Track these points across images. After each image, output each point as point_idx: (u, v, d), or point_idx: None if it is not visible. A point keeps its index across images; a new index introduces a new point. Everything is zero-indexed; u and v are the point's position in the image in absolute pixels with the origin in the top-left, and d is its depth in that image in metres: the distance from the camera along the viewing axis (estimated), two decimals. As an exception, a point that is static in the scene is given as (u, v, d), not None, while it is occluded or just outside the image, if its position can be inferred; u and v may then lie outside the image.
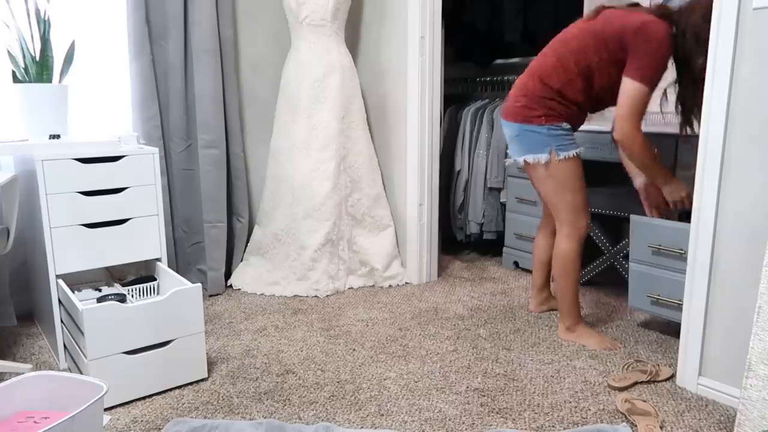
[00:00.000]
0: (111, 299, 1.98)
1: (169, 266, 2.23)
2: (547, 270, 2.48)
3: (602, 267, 2.81)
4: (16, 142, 1.95)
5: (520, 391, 1.86)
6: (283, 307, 2.62)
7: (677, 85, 2.08)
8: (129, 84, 2.55)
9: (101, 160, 2.00)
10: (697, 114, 1.91)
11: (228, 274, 2.90)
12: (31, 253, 2.28)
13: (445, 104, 3.19)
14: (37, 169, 1.89)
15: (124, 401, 1.78)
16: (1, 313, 2.34)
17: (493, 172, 3.25)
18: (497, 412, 1.73)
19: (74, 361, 1.91)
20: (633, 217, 2.22)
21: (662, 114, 2.25)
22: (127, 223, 2.08)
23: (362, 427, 1.66)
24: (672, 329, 2.33)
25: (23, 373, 1.53)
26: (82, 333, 1.71)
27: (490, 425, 1.67)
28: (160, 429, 1.65)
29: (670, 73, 2.03)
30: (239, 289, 2.85)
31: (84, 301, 2.00)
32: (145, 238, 2.13)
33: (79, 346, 1.80)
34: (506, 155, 3.16)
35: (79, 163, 1.96)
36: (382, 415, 1.72)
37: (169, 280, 2.09)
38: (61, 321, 1.99)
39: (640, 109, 1.96)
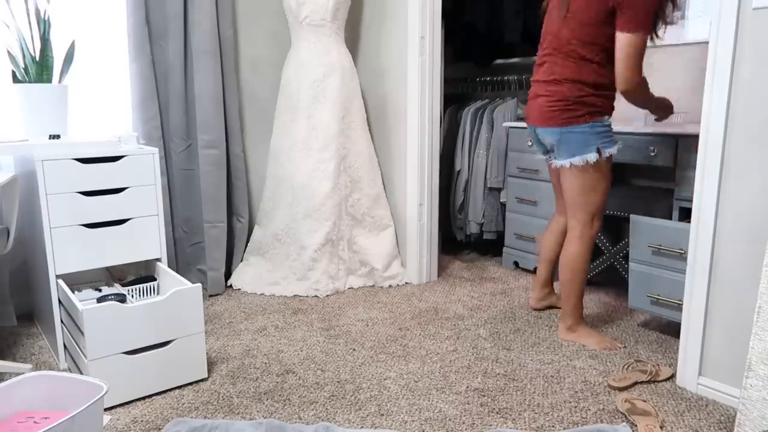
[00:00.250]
0: (111, 299, 1.98)
1: (169, 266, 2.23)
2: (552, 268, 2.48)
3: (602, 267, 2.81)
4: (16, 142, 1.95)
5: (520, 391, 1.86)
6: (283, 307, 2.62)
7: None
8: (129, 84, 2.55)
9: (101, 160, 2.00)
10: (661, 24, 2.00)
11: (228, 274, 2.90)
12: (31, 253, 2.28)
13: (445, 104, 3.20)
14: (37, 169, 1.89)
15: (124, 401, 1.78)
16: (1, 313, 2.34)
17: (493, 172, 3.25)
18: (497, 412, 1.73)
19: (74, 361, 1.90)
20: (633, 217, 2.22)
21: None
22: (127, 223, 2.08)
23: (362, 427, 1.66)
24: (672, 329, 2.33)
25: (23, 373, 1.53)
26: (82, 333, 1.71)
27: (490, 425, 1.67)
28: (160, 429, 1.65)
29: None
30: (239, 289, 2.85)
31: (84, 301, 2.00)
32: (145, 238, 2.13)
33: (79, 346, 1.80)
34: (506, 155, 3.17)
35: (79, 163, 1.96)
36: (382, 415, 1.72)
37: (169, 280, 2.09)
38: (61, 321, 1.99)
39: (640, 56, 1.96)
